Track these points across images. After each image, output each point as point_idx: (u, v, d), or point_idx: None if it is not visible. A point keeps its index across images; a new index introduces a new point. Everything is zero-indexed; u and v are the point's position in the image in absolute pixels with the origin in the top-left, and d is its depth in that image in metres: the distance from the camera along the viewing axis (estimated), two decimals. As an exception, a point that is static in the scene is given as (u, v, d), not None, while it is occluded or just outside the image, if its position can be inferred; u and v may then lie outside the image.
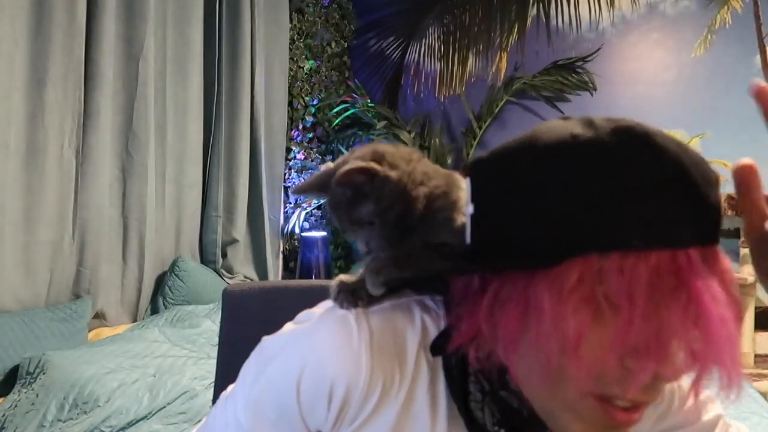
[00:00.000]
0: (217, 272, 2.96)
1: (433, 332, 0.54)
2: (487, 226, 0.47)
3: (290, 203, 3.66)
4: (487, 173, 0.48)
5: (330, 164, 0.62)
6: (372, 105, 3.65)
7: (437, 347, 0.52)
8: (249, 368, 0.58)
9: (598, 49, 3.68)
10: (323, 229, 3.61)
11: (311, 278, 3.26)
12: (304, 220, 3.64)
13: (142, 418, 1.55)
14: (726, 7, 3.54)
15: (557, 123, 0.46)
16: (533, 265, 0.43)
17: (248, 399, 0.56)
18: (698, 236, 0.41)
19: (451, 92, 3.84)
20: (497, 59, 3.73)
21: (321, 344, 0.53)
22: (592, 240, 0.41)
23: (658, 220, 0.40)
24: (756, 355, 3.40)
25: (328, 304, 0.57)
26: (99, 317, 2.37)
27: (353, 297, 0.54)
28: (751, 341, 3.35)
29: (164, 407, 1.58)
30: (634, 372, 0.41)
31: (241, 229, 3.12)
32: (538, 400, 0.48)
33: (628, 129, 0.43)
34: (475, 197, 0.49)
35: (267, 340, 0.58)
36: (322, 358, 0.52)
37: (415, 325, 0.54)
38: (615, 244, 0.40)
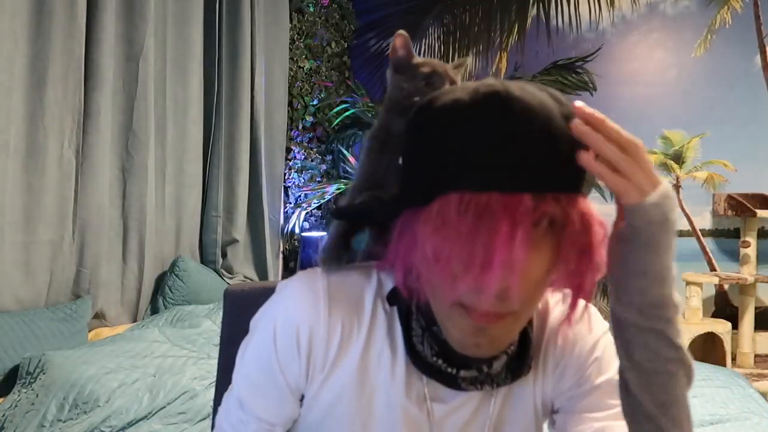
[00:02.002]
0: (217, 272, 2.96)
1: (388, 286, 0.63)
2: (402, 172, 0.57)
3: (290, 203, 3.66)
4: (407, 126, 0.57)
5: None
6: (372, 105, 3.65)
7: (391, 297, 0.62)
8: (240, 350, 0.67)
9: (598, 49, 3.68)
10: (323, 229, 3.61)
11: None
12: (304, 220, 3.64)
13: (142, 418, 1.55)
14: (726, 7, 3.54)
15: (452, 89, 0.54)
16: (417, 203, 0.52)
17: (241, 375, 0.66)
18: (530, 184, 0.48)
19: (451, 92, 3.84)
20: (497, 59, 3.73)
21: (287, 297, 0.63)
22: (447, 183, 0.50)
23: (494, 168, 0.48)
24: (756, 355, 3.40)
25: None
26: (99, 317, 2.37)
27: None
28: (751, 341, 3.35)
29: (164, 407, 1.58)
30: (478, 282, 0.49)
31: (241, 229, 3.12)
32: (437, 320, 0.57)
33: (490, 92, 0.50)
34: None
35: (252, 321, 0.67)
36: (288, 308, 0.62)
37: (372, 280, 0.64)
38: (462, 185, 0.49)
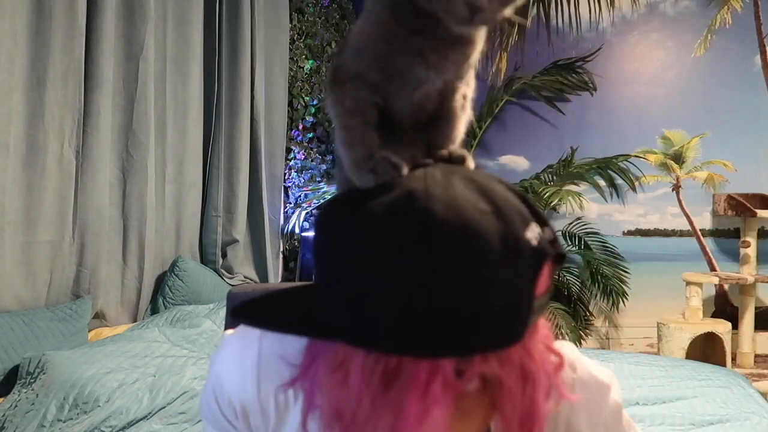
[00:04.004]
0: (217, 272, 2.96)
1: None
2: (314, 273, 0.49)
3: (290, 203, 3.66)
4: (317, 220, 0.49)
5: None
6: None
7: None
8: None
9: (598, 49, 3.68)
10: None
11: (311, 278, 3.26)
12: (304, 220, 3.64)
13: (142, 418, 1.55)
14: (726, 7, 3.54)
15: (383, 200, 0.43)
16: (322, 335, 0.44)
17: (202, 413, 0.63)
18: (452, 347, 0.39)
19: (451, 92, 3.84)
20: (497, 59, 3.73)
21: (219, 367, 0.58)
22: (352, 332, 0.41)
23: (405, 324, 0.38)
24: (756, 355, 3.40)
25: None
26: (99, 317, 2.37)
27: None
28: (751, 341, 3.35)
29: (164, 407, 1.58)
30: None
31: (241, 229, 3.12)
32: None
33: (406, 209, 0.40)
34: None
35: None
36: (220, 379, 0.58)
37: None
38: (368, 341, 0.40)
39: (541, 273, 0.42)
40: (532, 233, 0.42)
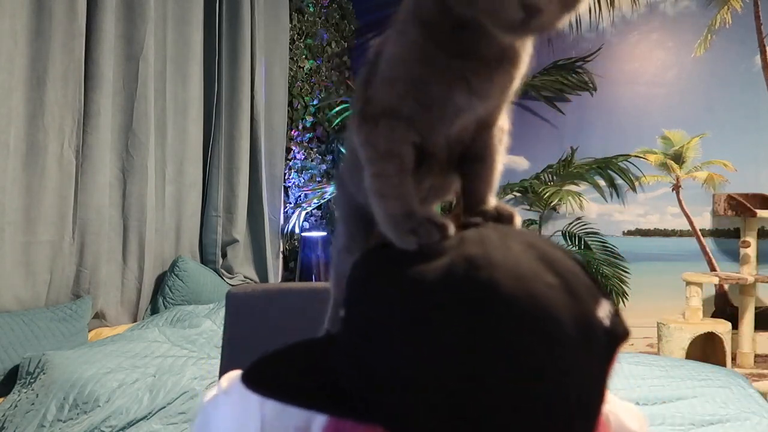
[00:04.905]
0: (217, 272, 2.96)
1: None
2: (339, 344, 0.42)
3: (290, 203, 3.66)
4: (352, 274, 0.43)
5: None
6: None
7: None
8: None
9: (598, 49, 3.68)
10: (323, 229, 3.61)
11: (311, 278, 3.26)
12: (304, 220, 3.64)
13: (142, 418, 1.55)
14: (726, 7, 3.54)
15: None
16: (344, 413, 0.39)
17: None
18: None
19: (451, 92, 3.84)
20: (497, 59, 3.72)
21: (216, 429, 0.53)
22: (382, 416, 0.36)
23: (456, 419, 0.33)
24: (756, 355, 3.40)
25: (233, 374, 0.55)
26: (99, 317, 2.37)
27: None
28: (751, 341, 3.35)
29: (164, 407, 1.58)
30: None
31: (241, 229, 3.12)
32: None
33: (464, 278, 0.35)
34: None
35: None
36: None
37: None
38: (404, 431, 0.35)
39: (614, 358, 0.37)
40: (604, 312, 0.36)
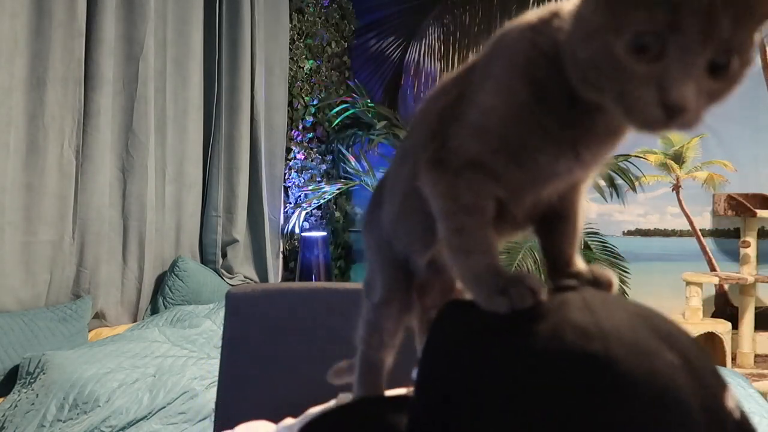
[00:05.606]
0: (217, 272, 2.96)
1: None
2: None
3: (290, 203, 3.66)
4: (430, 340, 0.39)
5: None
6: (372, 105, 3.65)
7: None
8: None
9: (598, 49, 3.68)
10: (323, 229, 3.62)
11: (311, 278, 3.26)
12: (304, 220, 3.65)
13: (142, 418, 1.55)
14: (726, 7, 3.54)
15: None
16: None
17: None
18: None
19: (451, 92, 3.84)
20: (497, 59, 3.73)
21: None
22: None
23: None
24: (756, 355, 3.40)
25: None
26: (99, 317, 2.37)
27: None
28: (751, 341, 3.35)
29: (164, 407, 1.58)
30: None
31: (241, 229, 3.12)
32: None
33: (573, 365, 0.30)
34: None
35: None
36: None
37: None
38: None
39: None
40: (733, 402, 0.33)
